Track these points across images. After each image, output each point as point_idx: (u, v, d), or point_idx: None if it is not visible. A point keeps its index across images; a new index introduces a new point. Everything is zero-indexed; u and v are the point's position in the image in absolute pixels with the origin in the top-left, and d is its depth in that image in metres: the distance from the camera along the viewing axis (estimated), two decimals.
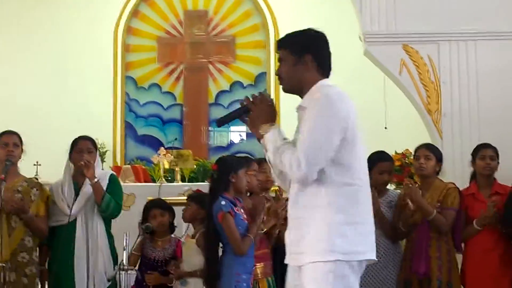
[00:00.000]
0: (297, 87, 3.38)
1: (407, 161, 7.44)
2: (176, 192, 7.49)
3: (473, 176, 5.54)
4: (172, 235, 5.39)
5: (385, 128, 8.55)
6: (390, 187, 5.96)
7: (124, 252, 4.91)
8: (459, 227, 5.23)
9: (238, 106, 3.48)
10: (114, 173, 5.80)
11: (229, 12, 9.94)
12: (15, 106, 9.18)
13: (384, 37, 6.64)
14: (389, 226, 5.25)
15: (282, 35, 3.62)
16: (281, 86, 3.49)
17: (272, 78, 9.44)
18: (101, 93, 9.57)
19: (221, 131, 9.82)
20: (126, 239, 4.96)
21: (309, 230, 3.17)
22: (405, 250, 5.31)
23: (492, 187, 5.40)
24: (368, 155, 5.33)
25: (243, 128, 9.44)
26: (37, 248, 5.20)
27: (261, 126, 3.33)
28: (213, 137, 9.85)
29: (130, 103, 9.82)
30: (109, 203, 5.17)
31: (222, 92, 9.82)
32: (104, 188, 5.21)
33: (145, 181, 8.58)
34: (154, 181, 8.56)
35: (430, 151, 5.31)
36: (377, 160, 5.35)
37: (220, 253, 4.66)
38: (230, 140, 9.84)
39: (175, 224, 5.43)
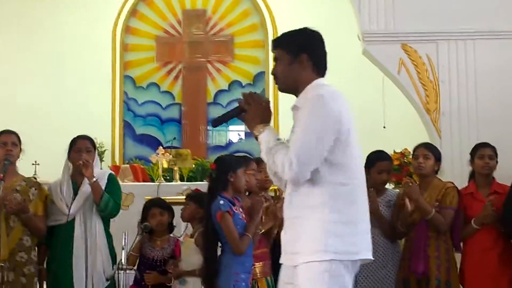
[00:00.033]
0: (292, 86, 3.37)
1: (405, 161, 7.44)
2: (175, 191, 7.49)
3: (472, 175, 5.54)
4: (171, 235, 5.39)
5: (384, 127, 8.56)
6: (389, 186, 5.96)
7: (123, 251, 4.90)
8: (458, 226, 5.23)
9: (236, 105, 3.48)
10: (113, 172, 5.80)
11: (227, 11, 9.94)
12: (15, 106, 9.17)
13: (383, 37, 6.64)
14: (387, 226, 5.26)
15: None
16: (276, 86, 3.50)
17: (271, 77, 9.39)
18: (100, 93, 9.57)
19: (220, 131, 9.82)
20: (125, 239, 4.95)
21: (303, 230, 3.17)
22: (403, 249, 5.31)
23: (490, 186, 5.40)
24: (366, 155, 5.39)
25: (242, 127, 9.45)
26: (36, 248, 5.19)
27: (256, 126, 3.33)
28: (211, 137, 9.85)
29: (128, 103, 9.82)
30: (107, 202, 5.17)
31: (221, 91, 9.82)
32: (103, 187, 5.21)
33: (144, 181, 8.57)
34: (152, 180, 8.56)
35: (429, 150, 5.32)
36: (376, 159, 5.35)
37: (218, 253, 4.66)
38: (229, 140, 9.84)
39: (174, 224, 5.43)
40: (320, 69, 3.37)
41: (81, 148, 5.23)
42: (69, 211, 5.11)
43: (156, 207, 5.35)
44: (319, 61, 3.38)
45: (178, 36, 9.96)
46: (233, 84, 9.80)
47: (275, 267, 4.93)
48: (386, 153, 5.54)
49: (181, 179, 8.62)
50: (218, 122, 3.52)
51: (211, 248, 4.63)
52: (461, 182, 5.57)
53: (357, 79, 8.80)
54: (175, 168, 8.58)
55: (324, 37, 3.44)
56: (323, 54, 3.40)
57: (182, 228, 5.72)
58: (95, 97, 9.53)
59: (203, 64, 9.91)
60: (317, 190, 3.16)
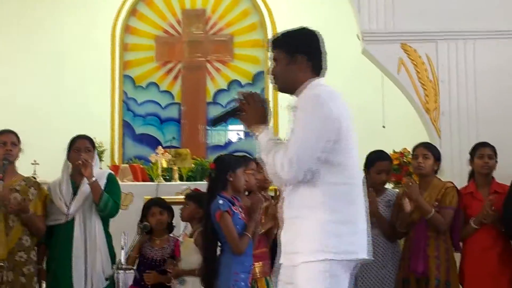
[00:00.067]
0: (290, 86, 3.37)
1: (405, 160, 7.44)
2: (174, 191, 7.48)
3: (471, 175, 5.54)
4: (171, 235, 5.39)
5: (383, 127, 8.55)
6: (388, 186, 5.95)
7: (122, 251, 4.90)
8: (458, 226, 5.23)
9: (235, 104, 3.47)
10: (112, 172, 5.80)
11: (227, 11, 9.93)
12: (15, 106, 9.17)
13: (382, 36, 6.63)
14: (387, 226, 5.26)
15: None
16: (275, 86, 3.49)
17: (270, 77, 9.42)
18: (99, 92, 9.55)
19: (219, 130, 9.81)
20: (124, 238, 4.95)
21: (302, 230, 3.17)
22: (403, 249, 5.31)
23: (490, 186, 5.40)
24: (366, 154, 5.39)
25: (241, 126, 9.43)
26: (35, 247, 5.19)
27: (254, 126, 3.33)
28: (211, 136, 9.85)
29: (128, 102, 9.81)
30: (107, 202, 5.17)
31: (220, 91, 9.81)
32: (102, 187, 5.21)
33: (143, 180, 8.57)
34: (152, 180, 8.55)
35: (428, 150, 5.31)
36: (376, 159, 5.35)
37: (218, 252, 4.66)
38: (228, 139, 9.84)
39: (174, 224, 5.43)
40: (318, 69, 3.37)
41: (80, 148, 5.23)
42: (68, 210, 5.11)
43: (156, 206, 5.36)
44: (317, 61, 3.37)
45: (178, 36, 9.95)
46: (233, 83, 9.79)
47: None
48: (386, 153, 5.54)
49: (181, 179, 8.62)
50: (216, 121, 3.52)
51: (210, 248, 4.63)
52: (461, 181, 5.57)
53: (356, 78, 8.79)
54: (174, 168, 8.57)
55: (323, 36, 3.43)
56: (321, 54, 3.39)
57: (181, 228, 5.73)
58: (95, 96, 9.51)
59: (202, 64, 9.90)
60: (316, 190, 3.17)
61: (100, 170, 5.55)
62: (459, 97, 6.56)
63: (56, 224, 5.19)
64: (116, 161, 9.44)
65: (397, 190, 5.79)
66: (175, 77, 9.87)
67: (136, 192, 7.65)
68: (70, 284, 5.08)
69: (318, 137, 3.13)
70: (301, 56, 3.33)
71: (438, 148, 5.54)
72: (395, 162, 7.03)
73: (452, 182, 5.30)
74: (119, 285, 5.07)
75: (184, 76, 9.87)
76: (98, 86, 9.54)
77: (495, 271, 5.25)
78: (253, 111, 3.36)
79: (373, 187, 5.25)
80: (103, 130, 9.26)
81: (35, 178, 5.81)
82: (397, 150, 7.58)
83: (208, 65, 9.89)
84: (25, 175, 5.43)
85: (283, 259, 3.30)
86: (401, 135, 7.91)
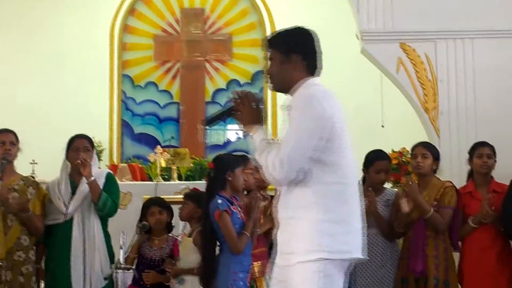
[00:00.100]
0: (285, 86, 3.37)
1: (404, 160, 7.44)
2: (173, 190, 7.49)
3: (470, 175, 5.54)
4: (169, 234, 5.39)
5: (382, 126, 8.55)
6: (387, 185, 5.95)
7: (121, 250, 4.90)
8: (456, 225, 5.23)
9: (230, 104, 3.47)
10: (111, 171, 5.79)
11: (225, 10, 9.93)
12: (15, 106, 9.16)
13: (381, 35, 6.63)
14: (386, 225, 5.26)
15: None
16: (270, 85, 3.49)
17: None
18: (98, 92, 9.56)
19: (218, 130, 9.81)
20: (123, 238, 4.95)
21: (297, 230, 3.18)
22: (402, 248, 5.31)
23: (489, 185, 5.40)
24: (365, 154, 5.39)
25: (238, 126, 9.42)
26: (34, 247, 5.18)
27: (249, 126, 3.34)
28: (210, 136, 9.84)
29: (126, 102, 9.81)
30: (106, 202, 5.16)
31: (219, 90, 9.81)
32: (101, 186, 5.20)
33: (142, 180, 8.57)
34: (150, 179, 8.55)
35: (427, 149, 5.31)
36: (375, 159, 5.36)
37: (217, 252, 4.65)
38: (227, 139, 9.83)
39: (173, 224, 5.43)
40: (313, 68, 3.37)
41: (79, 147, 5.22)
42: (66, 210, 5.10)
43: (155, 205, 5.36)
44: (312, 60, 3.37)
45: (176, 35, 9.96)
46: (231, 83, 9.79)
47: None
48: (385, 153, 5.54)
49: (179, 178, 8.62)
50: (211, 121, 3.53)
51: (209, 247, 4.62)
52: (460, 181, 5.57)
53: (355, 78, 8.80)
54: (173, 167, 8.57)
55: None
56: (317, 53, 3.39)
57: (180, 228, 5.72)
58: (94, 96, 9.51)
59: (201, 63, 9.90)
60: (310, 190, 3.17)
61: (99, 170, 5.54)
62: (458, 97, 6.55)
63: (55, 223, 5.18)
64: (115, 161, 9.44)
65: (396, 189, 5.79)
66: (174, 77, 9.87)
67: (134, 192, 7.65)
68: (69, 283, 5.07)
69: (310, 136, 3.13)
70: (296, 56, 3.33)
71: (437, 148, 5.53)
72: (394, 162, 7.03)
73: (451, 182, 5.30)
74: (118, 284, 5.07)
75: (183, 76, 9.87)
76: (97, 86, 9.55)
77: (494, 270, 5.25)
78: (247, 111, 3.36)
79: (372, 186, 5.25)
80: (102, 129, 9.26)
81: (33, 177, 5.80)
82: (396, 149, 7.58)
83: (207, 65, 9.89)
84: (24, 174, 5.42)
85: (279, 259, 3.31)
86: (400, 134, 7.91)
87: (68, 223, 5.14)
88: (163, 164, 8.54)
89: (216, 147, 9.62)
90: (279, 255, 3.31)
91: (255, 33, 9.79)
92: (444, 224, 5.12)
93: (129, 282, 5.33)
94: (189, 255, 4.91)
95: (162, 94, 9.85)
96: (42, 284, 5.34)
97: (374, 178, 5.34)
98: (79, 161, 5.11)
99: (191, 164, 8.92)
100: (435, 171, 5.32)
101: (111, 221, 5.38)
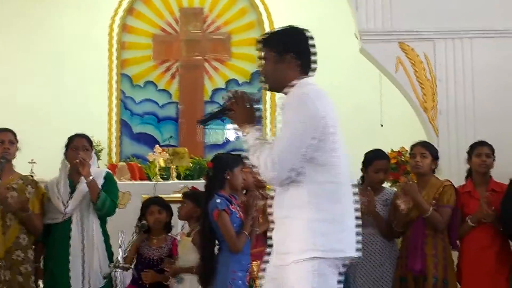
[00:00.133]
0: (279, 85, 3.38)
1: (403, 159, 7.44)
2: (172, 190, 7.48)
3: (469, 174, 5.54)
4: (168, 234, 5.39)
5: (381, 125, 8.55)
6: (386, 185, 5.95)
7: (120, 250, 4.90)
8: (455, 224, 5.23)
9: (225, 104, 3.48)
10: (110, 171, 5.79)
11: (224, 9, 9.93)
12: (15, 106, 9.16)
13: (380, 35, 6.63)
14: (384, 225, 5.26)
15: None
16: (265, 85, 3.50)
17: None
18: (97, 91, 9.55)
19: (217, 129, 9.81)
20: (122, 237, 4.95)
21: (291, 230, 3.19)
22: (401, 247, 5.31)
23: (488, 184, 5.40)
24: (364, 153, 5.39)
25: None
26: (32, 246, 5.18)
27: (242, 126, 3.34)
28: (208, 135, 9.84)
29: (125, 101, 9.80)
30: (104, 201, 5.16)
31: (218, 89, 9.81)
32: (100, 186, 5.20)
33: (141, 179, 8.57)
34: (149, 179, 8.55)
35: (426, 149, 5.31)
36: (373, 158, 5.36)
37: (216, 251, 4.65)
38: (226, 138, 9.83)
39: (172, 224, 5.43)
40: (307, 68, 3.37)
41: (78, 146, 5.22)
42: (65, 209, 5.10)
43: (154, 205, 5.36)
44: (306, 60, 3.37)
45: (175, 34, 9.95)
46: (230, 82, 9.79)
47: None
48: (384, 152, 5.54)
49: (178, 178, 8.62)
50: (205, 121, 3.54)
51: (208, 247, 4.63)
52: (458, 180, 5.57)
53: (354, 77, 8.80)
54: (172, 167, 8.57)
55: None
56: (311, 53, 3.39)
57: (179, 227, 5.72)
58: (93, 95, 9.51)
59: (200, 63, 9.90)
60: (302, 190, 3.17)
61: (98, 169, 5.54)
62: (457, 96, 6.56)
63: (54, 222, 5.18)
64: (114, 160, 9.43)
65: (395, 189, 5.79)
66: (173, 76, 9.87)
67: (133, 191, 7.65)
68: (68, 282, 5.07)
69: (302, 136, 3.13)
70: (290, 55, 3.33)
71: (436, 147, 5.53)
72: (393, 161, 7.03)
73: (449, 181, 5.30)
74: (117, 284, 5.07)
75: (182, 75, 9.87)
76: (97, 85, 9.55)
77: (493, 269, 5.25)
78: (241, 110, 3.37)
79: (371, 186, 5.26)
80: (101, 128, 9.25)
81: (32, 176, 5.80)
82: (395, 149, 7.59)
83: (206, 64, 9.89)
84: (23, 173, 5.42)
85: (274, 258, 3.32)
86: (399, 134, 7.91)
87: (67, 222, 5.14)
88: (162, 164, 8.54)
89: (215, 146, 9.63)
90: (274, 255, 3.32)
91: (254, 32, 9.77)
92: (443, 223, 5.12)
93: (128, 281, 5.33)
94: (188, 255, 4.91)
95: (161, 93, 9.85)
96: (41, 284, 5.33)
97: (373, 177, 5.34)
98: (78, 161, 5.11)
99: (190, 164, 8.92)
100: (434, 171, 5.31)
101: (110, 221, 5.38)
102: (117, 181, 5.68)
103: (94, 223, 5.20)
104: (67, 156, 5.25)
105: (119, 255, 4.89)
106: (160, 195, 6.01)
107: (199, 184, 5.77)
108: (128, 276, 5.33)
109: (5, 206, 5.01)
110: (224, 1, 9.90)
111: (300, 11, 9.10)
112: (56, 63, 9.47)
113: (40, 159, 8.04)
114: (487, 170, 5.44)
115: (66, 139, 5.31)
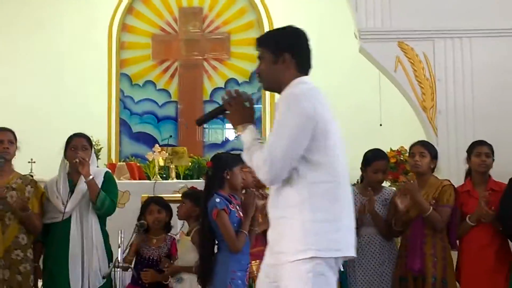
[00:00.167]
0: (276, 85, 3.38)
1: (402, 158, 7.44)
2: (171, 189, 7.47)
3: (468, 173, 5.54)
4: (168, 234, 5.39)
5: (380, 125, 8.56)
6: (385, 184, 5.95)
7: (119, 249, 4.90)
8: (455, 224, 5.23)
9: (222, 104, 3.48)
10: (109, 170, 5.79)
11: (224, 9, 9.94)
12: (15, 106, 9.16)
13: (379, 34, 6.63)
14: (383, 224, 5.25)
15: None
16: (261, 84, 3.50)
17: None
18: (96, 91, 9.56)
19: (216, 129, 9.82)
20: (121, 237, 4.95)
21: (287, 229, 3.18)
22: (400, 247, 5.31)
23: (487, 184, 5.40)
24: (363, 152, 5.39)
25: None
26: (31, 245, 5.18)
27: (238, 126, 3.35)
28: (208, 134, 9.85)
29: (125, 101, 9.81)
30: (104, 200, 5.16)
31: (217, 89, 9.81)
32: (99, 185, 5.20)
33: (140, 179, 8.57)
34: (149, 178, 8.55)
35: (425, 148, 5.31)
36: (372, 158, 5.35)
37: (215, 250, 4.65)
38: (225, 137, 9.84)
39: (172, 224, 5.42)
40: (303, 67, 3.37)
41: (77, 146, 5.22)
42: (65, 209, 5.10)
43: (154, 204, 5.36)
44: (303, 59, 3.37)
45: (175, 34, 9.96)
46: (230, 82, 9.80)
47: None
48: (383, 152, 5.53)
49: (177, 177, 8.62)
50: (201, 121, 3.54)
51: (207, 246, 4.62)
52: (458, 180, 5.57)
53: (353, 77, 8.80)
54: (171, 166, 8.57)
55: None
56: (307, 52, 3.39)
57: (178, 226, 5.72)
58: (93, 95, 9.52)
59: (199, 62, 9.91)
60: (298, 189, 3.17)
61: (97, 168, 5.53)
62: (456, 95, 6.55)
63: (53, 222, 5.18)
64: (113, 160, 9.44)
65: (394, 188, 5.79)
66: (172, 75, 9.88)
67: (133, 190, 7.64)
68: (67, 282, 5.07)
69: (293, 135, 3.12)
70: (286, 55, 3.33)
71: (435, 146, 5.53)
72: (392, 160, 7.04)
73: (449, 180, 5.30)
74: (116, 283, 5.07)
75: (181, 74, 9.87)
76: (96, 85, 9.56)
77: (492, 269, 5.25)
78: (237, 110, 3.37)
79: (370, 186, 5.25)
80: (100, 128, 9.26)
81: (32, 176, 5.80)
82: (394, 148, 7.59)
83: (205, 63, 9.90)
84: (22, 173, 5.41)
85: (269, 258, 3.31)
86: (398, 133, 7.92)
87: (66, 221, 5.13)
88: (161, 163, 8.54)
89: (214, 146, 9.64)
90: (270, 255, 3.32)
91: (253, 32, 9.78)
92: (442, 223, 5.12)
93: (128, 281, 5.33)
94: (187, 254, 4.91)
95: (160, 93, 9.85)
96: (40, 283, 5.33)
97: (372, 177, 5.34)
98: (77, 160, 5.11)
99: (189, 163, 8.92)
100: (433, 170, 5.31)
101: (109, 220, 5.37)
102: (117, 181, 5.68)
103: (93, 222, 5.20)
104: (66, 155, 5.25)
105: (119, 254, 4.89)
106: (159, 195, 6.01)
107: (199, 183, 5.78)
108: (127, 276, 5.33)
109: (4, 206, 5.01)
110: (223, 0, 9.91)
111: (299, 10, 9.11)
112: (56, 63, 9.48)
113: (39, 158, 8.04)
114: (487, 169, 5.44)
115: (65, 138, 5.31)
